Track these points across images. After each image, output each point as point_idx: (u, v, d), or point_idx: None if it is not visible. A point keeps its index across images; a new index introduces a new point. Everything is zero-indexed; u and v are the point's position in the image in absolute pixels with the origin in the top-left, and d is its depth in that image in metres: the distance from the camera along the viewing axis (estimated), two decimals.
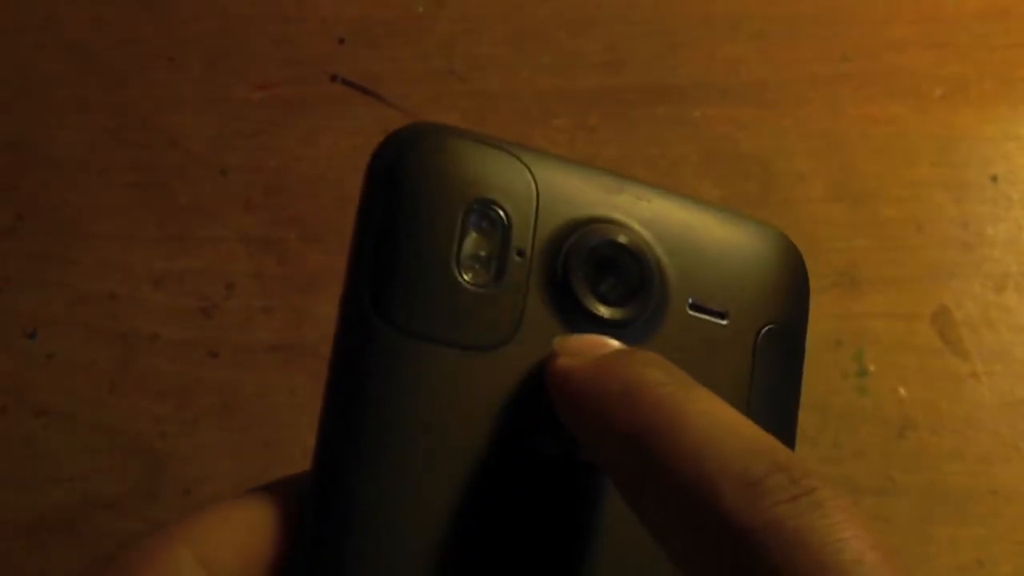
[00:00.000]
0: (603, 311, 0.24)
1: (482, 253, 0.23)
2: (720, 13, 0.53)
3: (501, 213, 0.23)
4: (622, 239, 0.24)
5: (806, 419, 0.49)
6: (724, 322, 0.25)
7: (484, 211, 0.23)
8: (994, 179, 0.51)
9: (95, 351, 0.47)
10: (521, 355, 0.23)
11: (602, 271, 0.24)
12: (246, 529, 0.22)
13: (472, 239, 0.23)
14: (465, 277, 0.23)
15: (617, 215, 0.24)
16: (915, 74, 0.52)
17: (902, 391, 0.47)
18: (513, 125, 0.50)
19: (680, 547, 0.19)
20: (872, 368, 0.47)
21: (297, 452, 0.46)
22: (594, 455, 0.22)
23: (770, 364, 0.25)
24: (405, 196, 0.23)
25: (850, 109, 0.52)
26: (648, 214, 0.24)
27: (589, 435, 0.21)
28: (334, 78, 0.51)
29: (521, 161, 0.24)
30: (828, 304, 0.48)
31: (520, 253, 0.23)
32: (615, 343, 0.23)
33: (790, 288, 0.26)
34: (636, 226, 0.24)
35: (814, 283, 0.48)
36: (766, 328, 0.25)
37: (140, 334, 0.47)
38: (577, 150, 0.50)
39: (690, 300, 0.24)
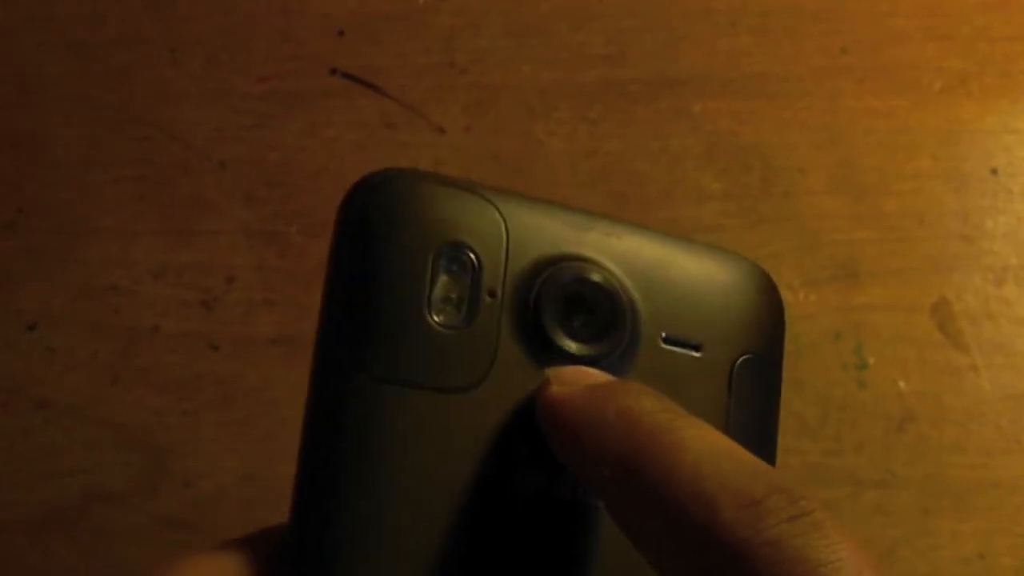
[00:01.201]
0: (575, 348, 0.24)
1: (453, 295, 0.23)
2: (721, 6, 0.53)
3: (471, 255, 0.23)
4: (593, 276, 0.24)
5: (807, 412, 0.49)
6: (698, 354, 0.25)
7: (454, 254, 0.23)
8: (994, 172, 0.51)
9: (96, 344, 0.47)
10: (496, 394, 0.23)
11: (574, 308, 0.24)
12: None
13: (443, 282, 0.23)
14: (437, 320, 0.23)
15: (588, 252, 0.24)
16: (916, 67, 0.52)
17: (902, 384, 0.47)
18: (514, 118, 0.50)
19: (679, 569, 0.20)
20: (872, 361, 0.47)
21: (296, 446, 0.46)
22: (590, 482, 0.22)
23: (746, 394, 0.25)
24: (375, 242, 0.23)
25: (851, 102, 0.52)
26: (619, 250, 0.25)
27: (585, 462, 0.21)
28: (334, 71, 0.51)
29: (491, 203, 0.24)
30: (828, 297, 0.48)
31: (492, 294, 0.23)
32: (605, 375, 0.23)
33: (764, 318, 0.26)
34: (607, 262, 0.24)
35: (815, 276, 0.48)
36: (741, 359, 0.25)
37: (141, 327, 0.47)
38: (578, 143, 0.50)
39: (663, 334, 0.24)
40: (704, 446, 0.20)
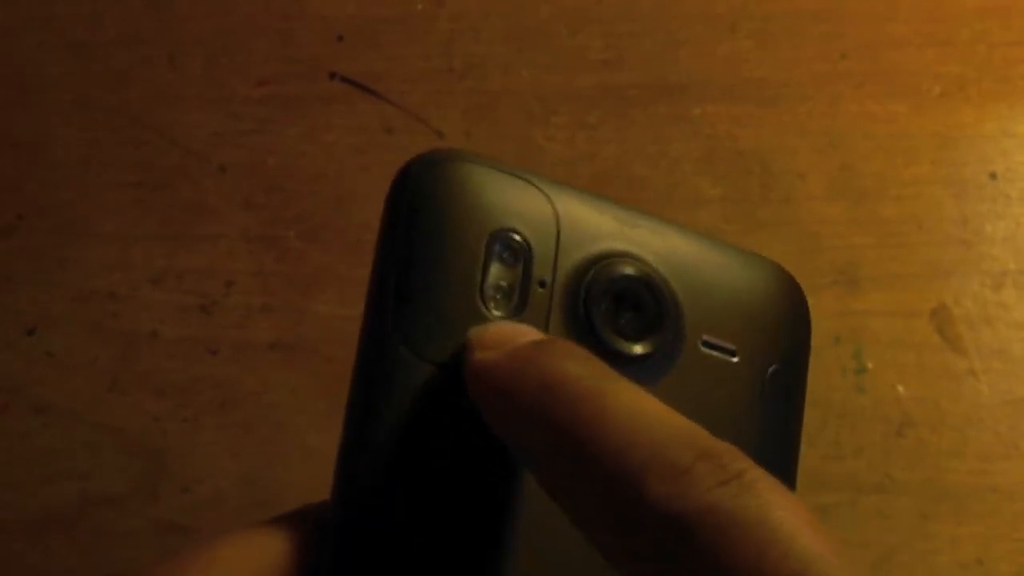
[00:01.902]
0: (623, 346, 0.24)
1: (504, 283, 0.23)
2: (720, 11, 0.53)
3: (523, 243, 0.23)
4: (642, 274, 0.24)
5: (805, 416, 0.49)
6: (735, 359, 0.25)
7: (507, 241, 0.23)
8: (993, 176, 0.51)
9: (95, 349, 0.47)
10: None
11: (621, 305, 0.24)
12: (261, 560, 0.22)
13: (495, 269, 0.23)
14: (488, 307, 0.23)
15: (635, 249, 0.24)
16: (915, 72, 0.52)
17: (901, 389, 0.47)
18: (513, 123, 0.50)
19: (610, 542, 0.19)
20: (871, 366, 0.47)
21: (296, 450, 0.46)
22: (520, 456, 0.21)
23: (779, 403, 0.25)
24: (429, 225, 0.23)
25: (850, 107, 0.52)
26: (663, 249, 0.25)
27: (509, 433, 0.21)
28: (333, 76, 0.51)
29: (542, 191, 0.24)
30: (828, 302, 0.48)
31: (542, 284, 0.23)
32: (531, 332, 0.22)
33: (794, 325, 0.26)
34: (653, 261, 0.24)
35: (814, 281, 0.48)
36: (774, 367, 0.25)
37: (140, 332, 0.47)
38: (577, 148, 0.50)
39: (703, 337, 0.24)
40: (629, 413, 0.19)
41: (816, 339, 0.47)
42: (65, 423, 0.47)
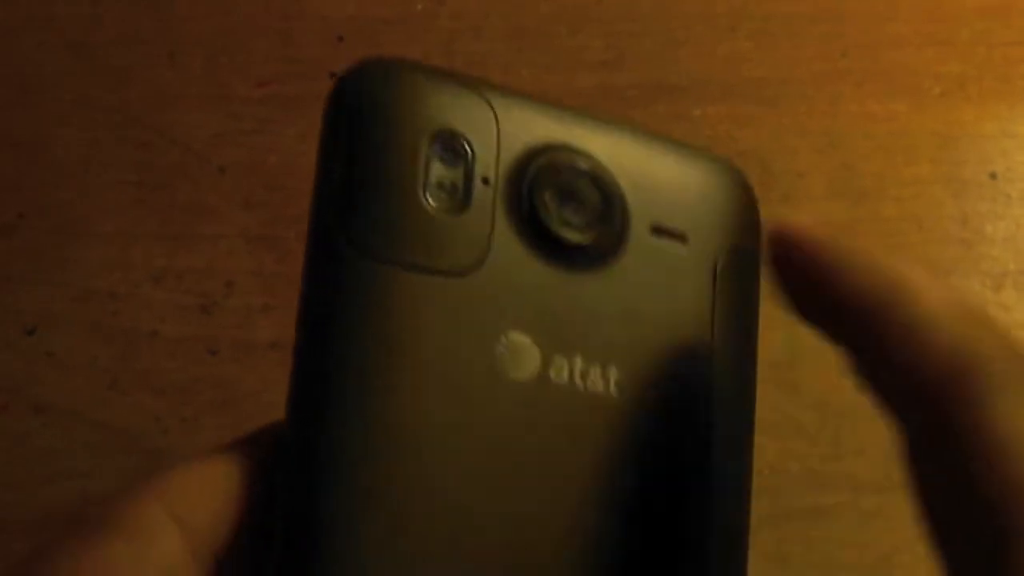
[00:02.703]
0: (569, 235, 0.24)
1: (446, 182, 0.23)
2: (720, 11, 0.53)
3: (464, 143, 0.24)
4: (584, 164, 0.24)
5: (805, 417, 0.49)
6: (684, 245, 0.25)
7: (447, 141, 0.23)
8: (993, 176, 0.51)
9: (95, 348, 0.47)
10: (493, 279, 0.23)
11: (565, 195, 0.24)
12: (220, 484, 0.22)
13: (437, 168, 0.23)
14: (433, 203, 0.23)
15: (576, 142, 0.25)
16: (915, 72, 0.52)
17: None
18: None
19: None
20: None
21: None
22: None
23: (731, 286, 0.25)
24: (370, 126, 0.23)
25: (850, 107, 0.52)
26: (606, 142, 0.25)
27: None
28: (334, 76, 0.51)
29: (480, 92, 0.24)
30: None
31: (485, 181, 0.24)
32: None
33: (745, 213, 0.26)
34: (595, 152, 0.25)
35: None
36: (726, 251, 0.25)
37: (140, 331, 0.47)
38: None
39: (651, 223, 0.25)
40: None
41: (816, 339, 0.47)
42: (65, 423, 0.47)
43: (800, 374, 0.47)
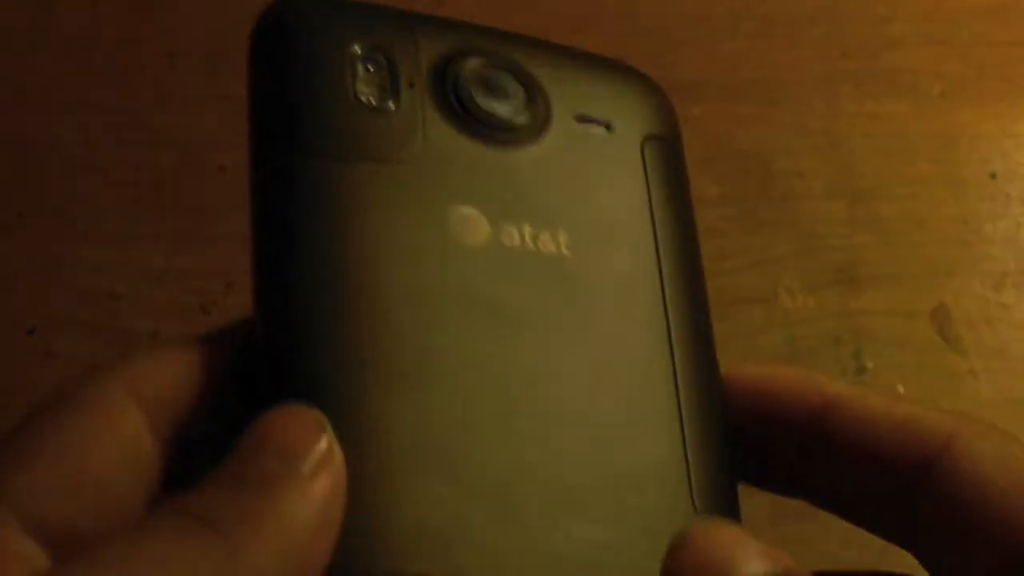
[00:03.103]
0: (498, 113, 0.25)
1: (375, 86, 0.25)
2: (720, 11, 0.53)
3: (386, 55, 0.25)
4: (503, 62, 0.26)
5: None
6: (610, 132, 0.26)
7: (370, 53, 0.25)
8: (993, 176, 0.51)
9: (95, 349, 0.47)
10: (432, 162, 0.24)
11: (489, 86, 0.26)
12: (181, 368, 0.23)
13: (363, 76, 0.25)
14: (365, 102, 0.25)
15: (494, 47, 0.26)
16: (915, 72, 0.52)
17: (901, 388, 0.47)
18: None
19: None
20: (871, 365, 0.47)
21: None
22: None
23: (660, 171, 0.27)
24: (298, 46, 0.25)
25: (850, 107, 0.52)
26: (523, 45, 0.27)
27: None
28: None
29: (396, 12, 0.26)
30: (827, 301, 0.48)
31: (411, 84, 0.25)
32: (744, 562, 0.20)
33: (663, 106, 0.28)
34: (514, 54, 0.27)
35: (814, 280, 0.48)
36: (651, 138, 0.27)
37: (140, 332, 0.47)
38: None
39: (574, 113, 0.26)
40: None
41: (816, 339, 0.47)
42: None
43: None
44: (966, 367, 0.47)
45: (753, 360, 0.47)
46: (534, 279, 0.24)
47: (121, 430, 0.22)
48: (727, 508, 0.24)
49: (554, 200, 0.25)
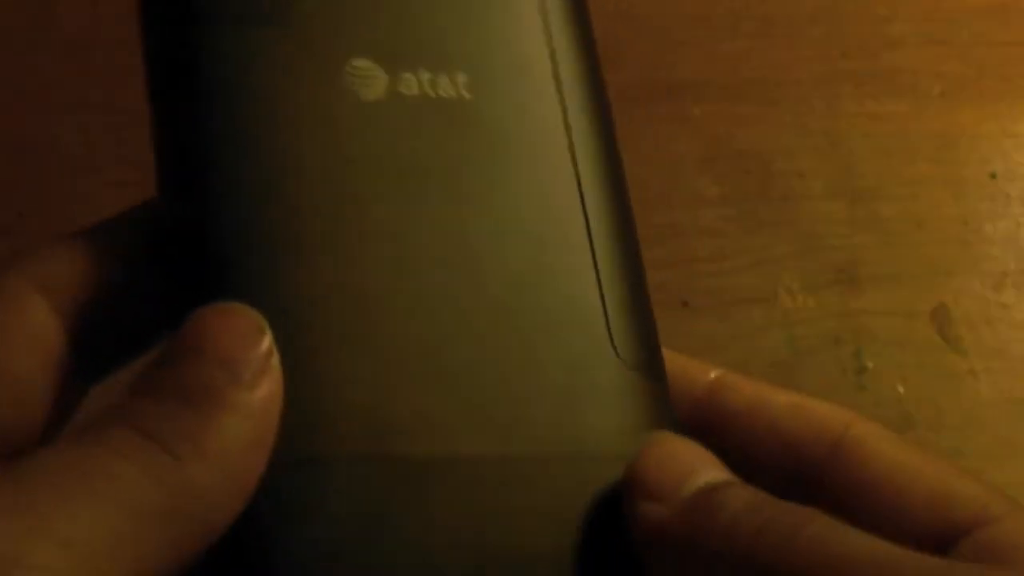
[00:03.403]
0: None
1: None
2: (720, 11, 0.53)
3: None
4: None
5: None
6: None
7: None
8: (993, 176, 0.51)
9: None
10: (319, 19, 0.24)
11: None
12: (90, 259, 0.23)
13: None
14: None
15: None
16: (914, 72, 0.52)
17: (901, 389, 0.47)
18: None
19: None
20: (871, 366, 0.47)
21: None
22: None
23: (564, 18, 0.27)
24: None
25: (850, 107, 0.52)
26: None
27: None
28: None
29: None
30: (828, 301, 0.48)
31: None
32: (703, 470, 0.21)
33: None
34: None
35: (814, 280, 0.48)
36: None
37: None
38: None
39: None
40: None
41: (816, 339, 0.47)
42: None
43: (801, 375, 0.47)
44: (966, 367, 0.47)
45: (753, 360, 0.47)
46: (436, 127, 0.24)
47: (30, 322, 0.22)
48: (648, 355, 0.24)
49: (450, 42, 0.25)
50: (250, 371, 0.20)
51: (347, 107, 0.23)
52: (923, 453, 0.24)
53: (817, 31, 0.53)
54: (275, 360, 0.20)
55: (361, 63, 0.24)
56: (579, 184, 0.25)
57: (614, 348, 0.23)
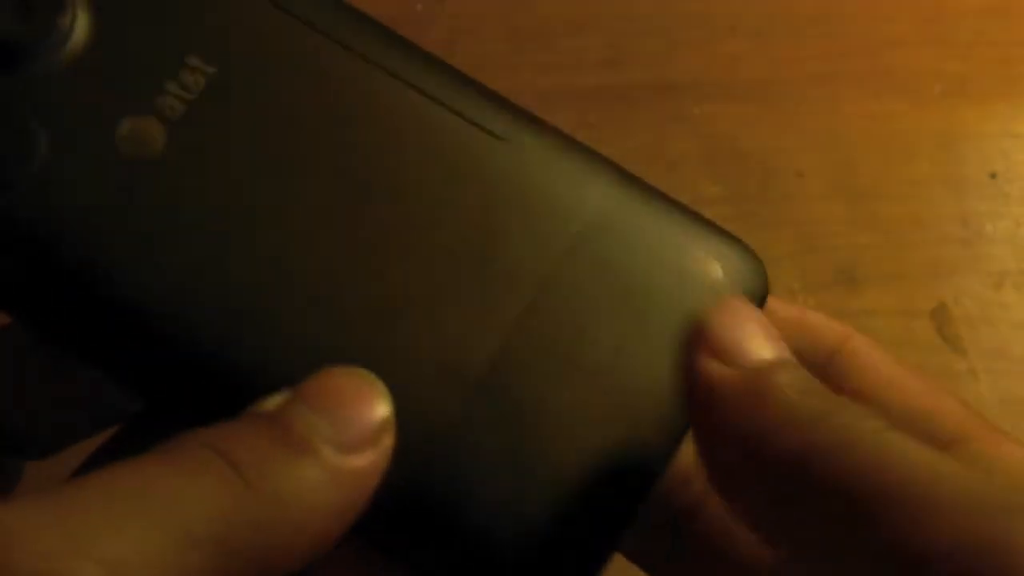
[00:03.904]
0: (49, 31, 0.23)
1: None
2: (720, 11, 0.53)
3: None
4: None
5: None
6: None
7: None
8: (993, 176, 0.51)
9: None
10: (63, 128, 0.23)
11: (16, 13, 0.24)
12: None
13: None
14: None
15: None
16: (915, 71, 0.52)
17: None
18: None
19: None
20: None
21: None
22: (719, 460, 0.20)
23: None
24: None
25: (850, 106, 0.52)
26: None
27: (726, 457, 0.20)
28: None
29: None
30: (828, 301, 0.48)
31: None
32: (770, 343, 0.21)
33: None
34: None
35: (814, 280, 0.48)
36: None
37: None
38: None
39: None
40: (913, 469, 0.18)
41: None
42: None
43: None
44: (966, 367, 0.47)
45: None
46: (219, 120, 0.23)
47: None
48: (525, 123, 0.25)
49: (166, 46, 0.24)
50: (355, 435, 0.19)
51: (146, 168, 0.23)
52: (912, 370, 0.26)
53: (817, 30, 0.53)
54: (388, 439, 0.20)
55: (122, 127, 0.23)
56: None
57: (487, 132, 0.25)
